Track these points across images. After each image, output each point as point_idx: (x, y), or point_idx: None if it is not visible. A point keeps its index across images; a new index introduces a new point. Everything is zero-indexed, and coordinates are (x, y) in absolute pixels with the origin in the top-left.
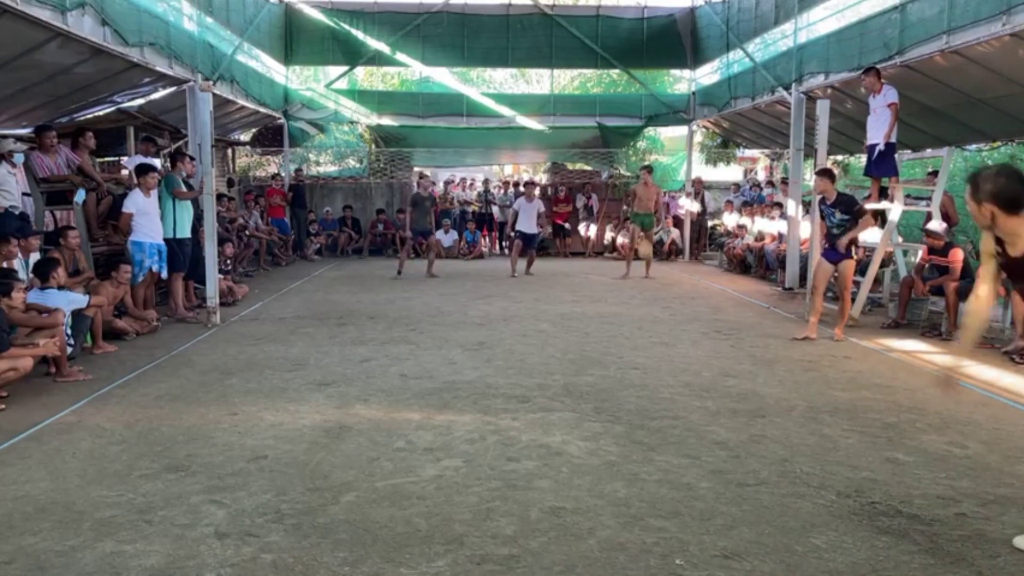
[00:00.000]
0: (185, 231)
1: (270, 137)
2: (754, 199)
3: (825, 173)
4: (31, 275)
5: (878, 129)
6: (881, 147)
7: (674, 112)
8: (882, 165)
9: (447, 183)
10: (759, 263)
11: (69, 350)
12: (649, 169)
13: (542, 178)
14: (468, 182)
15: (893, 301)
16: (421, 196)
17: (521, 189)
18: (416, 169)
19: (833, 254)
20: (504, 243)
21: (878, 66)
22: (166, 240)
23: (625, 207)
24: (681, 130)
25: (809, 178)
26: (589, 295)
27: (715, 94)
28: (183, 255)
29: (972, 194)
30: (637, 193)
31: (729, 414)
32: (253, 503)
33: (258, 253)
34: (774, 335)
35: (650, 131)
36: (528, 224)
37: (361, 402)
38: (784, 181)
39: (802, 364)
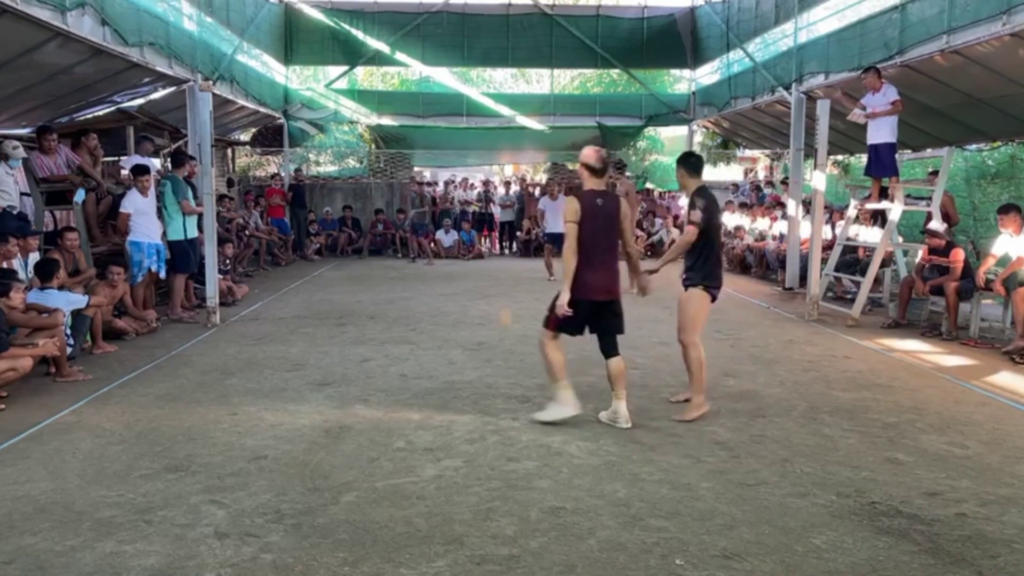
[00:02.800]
0: (194, 231)
1: (270, 137)
2: (753, 203)
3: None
4: (31, 275)
5: (880, 129)
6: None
7: (674, 112)
8: (883, 165)
9: (447, 183)
10: (759, 263)
11: (69, 350)
12: (621, 166)
13: (542, 178)
14: (468, 182)
15: (893, 301)
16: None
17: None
18: (418, 169)
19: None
20: (504, 243)
21: (878, 66)
22: (178, 242)
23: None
24: (681, 130)
25: (809, 178)
26: None
27: (715, 94)
28: (195, 254)
29: None
30: None
31: (729, 414)
32: (253, 503)
33: (258, 253)
34: (774, 335)
35: (650, 131)
36: (556, 224)
37: (361, 402)
38: (784, 182)
39: (802, 364)
